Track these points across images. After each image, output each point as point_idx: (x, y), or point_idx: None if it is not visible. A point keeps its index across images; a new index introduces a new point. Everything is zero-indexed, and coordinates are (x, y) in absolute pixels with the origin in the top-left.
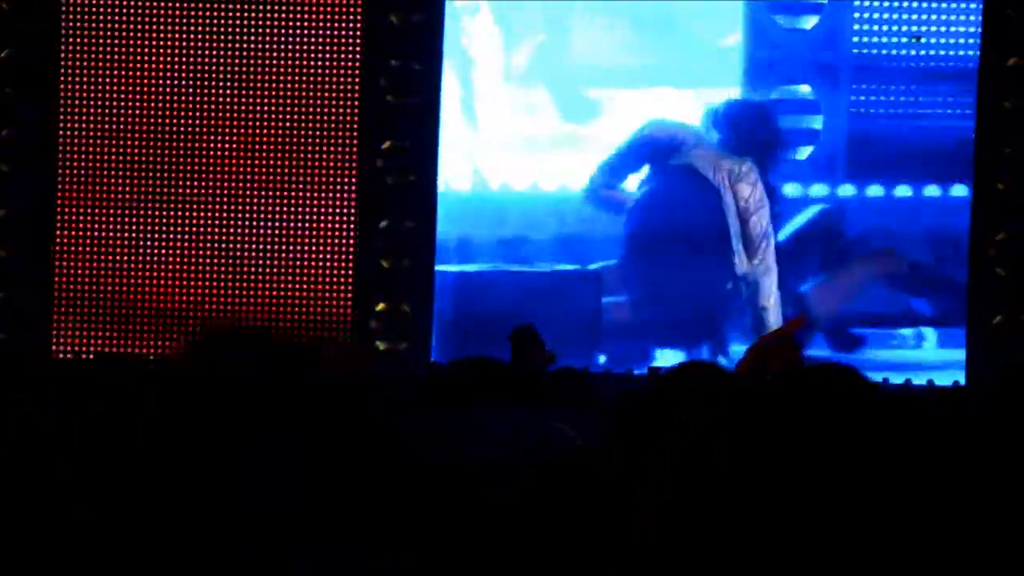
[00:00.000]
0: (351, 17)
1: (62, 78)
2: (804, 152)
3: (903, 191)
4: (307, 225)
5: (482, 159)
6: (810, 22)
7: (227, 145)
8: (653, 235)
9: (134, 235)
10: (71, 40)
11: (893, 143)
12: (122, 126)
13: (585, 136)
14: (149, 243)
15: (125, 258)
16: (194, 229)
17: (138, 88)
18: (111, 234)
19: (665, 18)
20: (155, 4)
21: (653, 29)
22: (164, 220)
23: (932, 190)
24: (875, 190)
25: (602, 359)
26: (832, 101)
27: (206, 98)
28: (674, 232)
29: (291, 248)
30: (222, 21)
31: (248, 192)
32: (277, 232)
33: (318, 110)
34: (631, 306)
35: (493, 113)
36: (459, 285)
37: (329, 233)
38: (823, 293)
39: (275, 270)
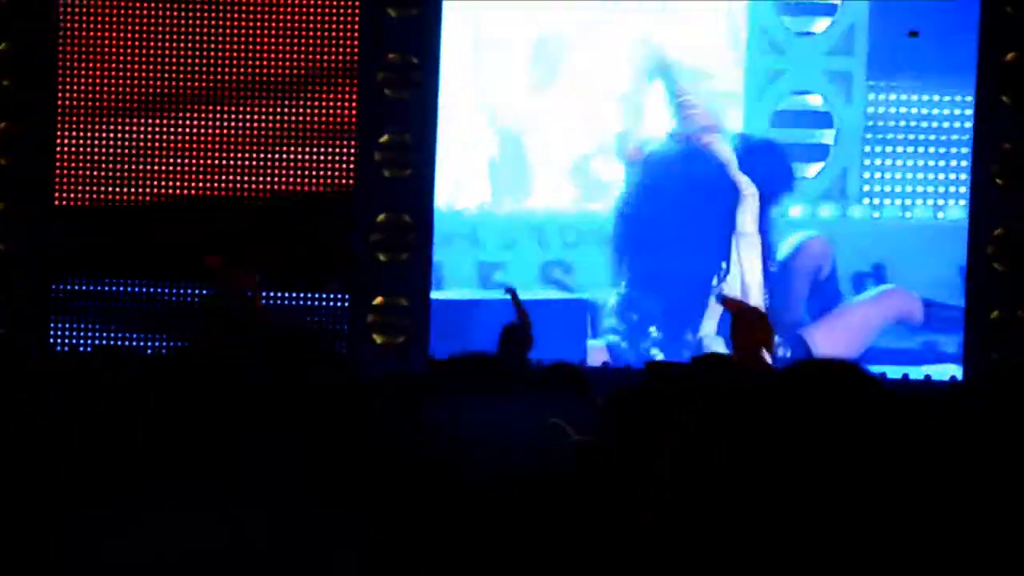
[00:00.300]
0: (349, 11)
1: (60, 71)
2: (814, 169)
3: (923, 213)
4: (305, 218)
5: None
6: (822, 25)
7: (225, 138)
8: (661, 193)
9: (130, 227)
10: (68, 31)
11: (912, 159)
12: (119, 117)
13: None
14: (145, 237)
15: (121, 250)
16: (194, 219)
17: (135, 81)
18: (107, 227)
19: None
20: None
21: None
22: (159, 216)
23: (955, 212)
24: (892, 211)
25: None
26: (845, 112)
27: (206, 92)
28: (681, 203)
29: (289, 240)
30: (223, 15)
31: (246, 183)
32: (276, 223)
33: (317, 104)
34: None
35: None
36: (436, 314)
37: (326, 227)
38: (827, 333)
39: (271, 264)
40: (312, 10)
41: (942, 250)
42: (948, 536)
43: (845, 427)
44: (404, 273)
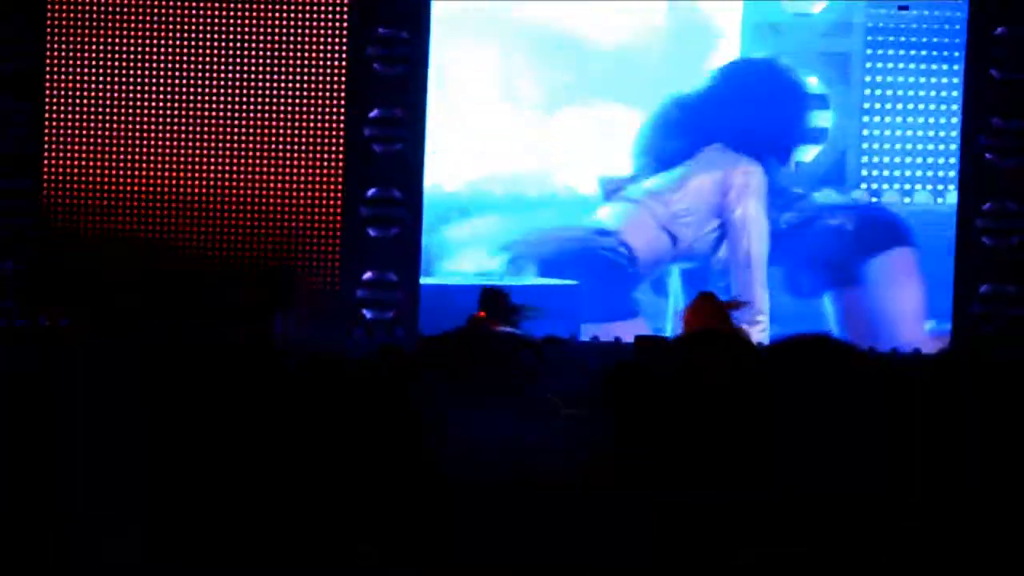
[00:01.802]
0: None
1: (50, 64)
2: (811, 153)
3: (922, 197)
4: (294, 194)
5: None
6: (819, 6)
7: (215, 115)
8: None
9: (122, 215)
10: (58, 23)
11: (911, 143)
12: (110, 104)
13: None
14: (136, 220)
15: (112, 231)
16: (185, 197)
17: (125, 66)
18: (99, 217)
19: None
20: None
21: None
22: (152, 195)
23: (955, 197)
24: (891, 196)
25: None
26: (843, 95)
27: (196, 72)
28: None
29: (278, 216)
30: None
31: (236, 160)
32: (265, 200)
33: (306, 79)
34: None
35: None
36: (424, 299)
37: (316, 202)
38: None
39: (263, 238)
40: None
41: (942, 234)
42: (949, 535)
43: (842, 406)
44: (393, 248)
